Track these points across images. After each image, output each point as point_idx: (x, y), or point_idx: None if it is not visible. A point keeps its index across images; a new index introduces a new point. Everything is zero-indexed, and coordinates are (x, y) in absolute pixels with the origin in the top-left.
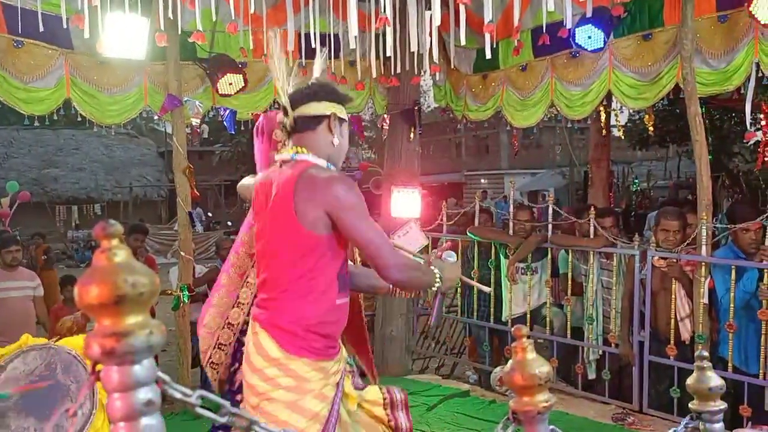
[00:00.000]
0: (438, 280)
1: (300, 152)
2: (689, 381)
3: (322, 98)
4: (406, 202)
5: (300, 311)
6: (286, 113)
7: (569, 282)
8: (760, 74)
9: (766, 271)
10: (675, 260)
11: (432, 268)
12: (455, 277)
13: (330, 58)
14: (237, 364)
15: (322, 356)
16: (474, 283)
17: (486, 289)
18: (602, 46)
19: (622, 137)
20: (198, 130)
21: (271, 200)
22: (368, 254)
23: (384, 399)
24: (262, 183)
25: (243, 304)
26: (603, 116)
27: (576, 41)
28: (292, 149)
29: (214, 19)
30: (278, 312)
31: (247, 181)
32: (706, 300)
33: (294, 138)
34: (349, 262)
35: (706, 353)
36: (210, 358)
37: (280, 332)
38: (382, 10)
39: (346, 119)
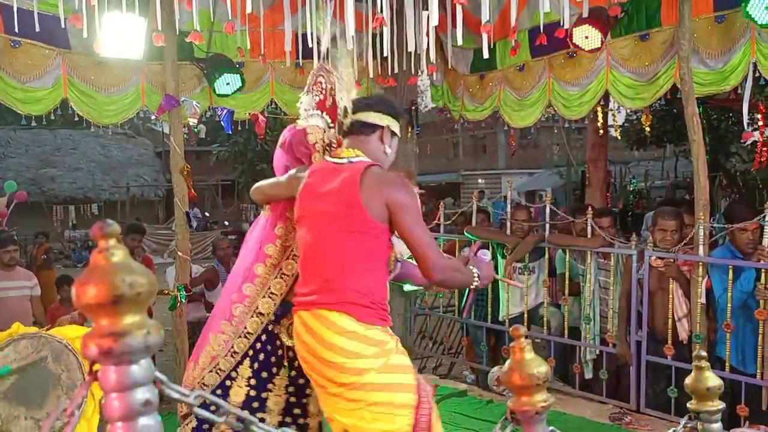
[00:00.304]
0: (476, 278)
1: (358, 155)
2: (687, 381)
3: (380, 110)
4: None
5: (368, 287)
6: (345, 114)
7: (566, 282)
8: (757, 74)
9: (763, 270)
10: (672, 260)
11: (470, 267)
12: (491, 275)
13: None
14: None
15: (388, 323)
16: (508, 280)
17: (518, 285)
18: (599, 46)
19: (619, 137)
20: (194, 130)
21: (329, 195)
22: (416, 253)
23: None
24: (310, 183)
25: (275, 294)
26: (600, 116)
27: (573, 41)
28: (349, 151)
29: (211, 19)
30: (348, 290)
31: (263, 183)
32: (703, 300)
33: (349, 140)
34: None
35: (704, 353)
36: (233, 347)
37: (355, 307)
38: (379, 10)
39: (399, 135)
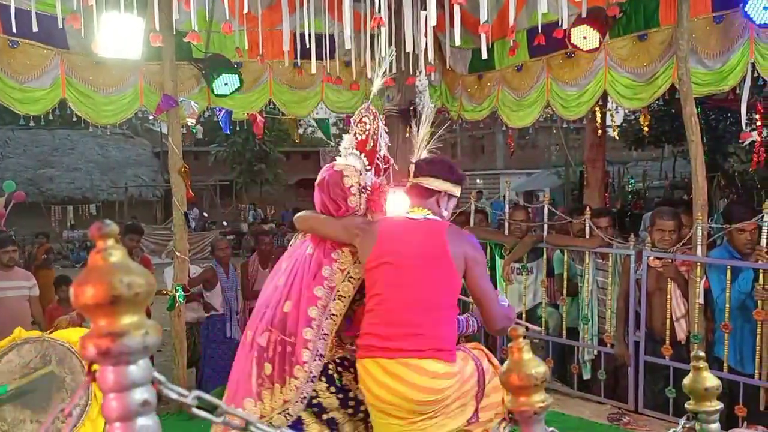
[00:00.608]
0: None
1: (429, 214)
2: (685, 381)
3: (441, 176)
4: (401, 202)
5: (451, 336)
6: (409, 174)
7: (564, 282)
8: (755, 74)
9: (761, 271)
10: (670, 260)
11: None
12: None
13: (325, 59)
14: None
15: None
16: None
17: (536, 329)
18: (597, 46)
19: (617, 138)
20: (192, 131)
21: (416, 246)
22: (482, 305)
23: None
24: (390, 233)
25: (335, 315)
26: (599, 116)
27: (571, 41)
28: (422, 210)
29: (209, 19)
30: (437, 338)
31: (312, 218)
32: (701, 300)
33: (413, 198)
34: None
35: (702, 353)
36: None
37: (444, 353)
38: (377, 11)
39: (457, 196)
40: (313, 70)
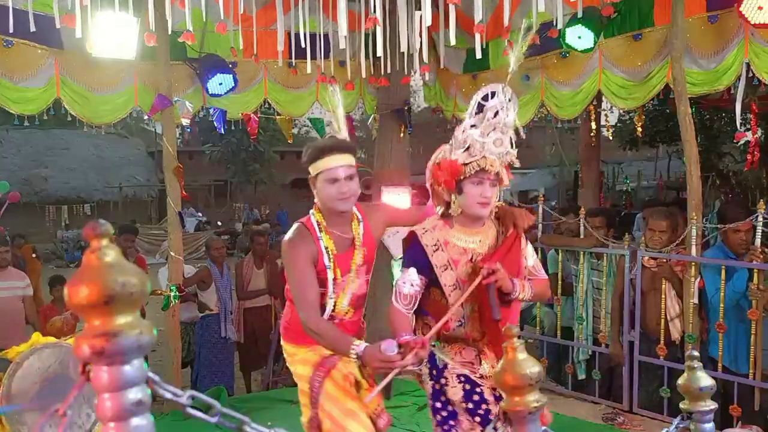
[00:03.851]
0: (353, 352)
1: None
2: (680, 381)
3: None
4: (396, 203)
5: (290, 316)
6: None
7: (559, 282)
8: (750, 74)
9: (755, 271)
10: (665, 260)
11: (354, 344)
12: (371, 363)
13: (319, 58)
14: None
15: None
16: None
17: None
18: (592, 46)
19: (611, 137)
20: (188, 129)
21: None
22: None
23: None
24: None
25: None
26: (593, 116)
27: (566, 41)
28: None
29: (204, 19)
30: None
31: None
32: (696, 300)
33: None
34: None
35: (696, 353)
36: None
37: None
38: (372, 11)
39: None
40: (308, 70)
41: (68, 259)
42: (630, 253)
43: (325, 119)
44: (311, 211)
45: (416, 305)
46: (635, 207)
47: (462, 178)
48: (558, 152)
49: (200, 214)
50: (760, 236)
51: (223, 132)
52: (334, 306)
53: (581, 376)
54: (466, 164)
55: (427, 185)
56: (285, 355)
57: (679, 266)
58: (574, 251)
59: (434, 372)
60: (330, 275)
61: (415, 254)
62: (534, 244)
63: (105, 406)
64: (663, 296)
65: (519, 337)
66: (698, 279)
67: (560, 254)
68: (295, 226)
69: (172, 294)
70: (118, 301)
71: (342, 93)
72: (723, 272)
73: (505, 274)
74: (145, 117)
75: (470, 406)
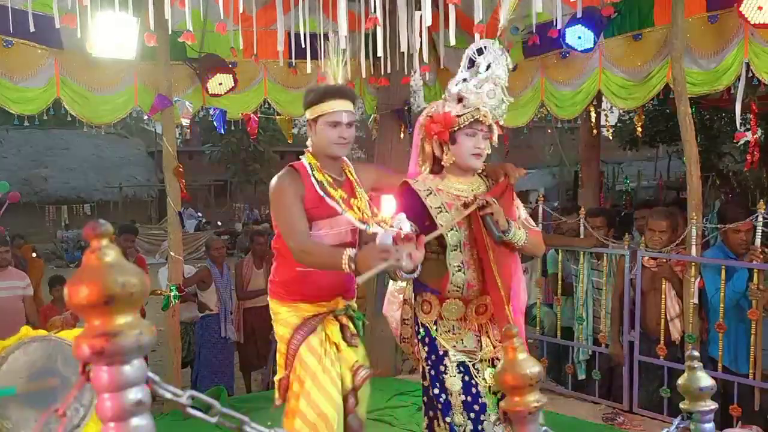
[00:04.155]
0: (345, 262)
1: None
2: (680, 381)
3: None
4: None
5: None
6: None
7: (559, 282)
8: (749, 74)
9: (755, 270)
10: (665, 260)
11: (345, 252)
12: (367, 260)
13: (320, 58)
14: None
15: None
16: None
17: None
18: (592, 46)
19: (611, 138)
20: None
21: None
22: None
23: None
24: None
25: None
26: (593, 116)
27: (566, 41)
28: None
29: (203, 19)
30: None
31: None
32: (696, 300)
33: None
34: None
35: (696, 353)
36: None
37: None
38: (372, 10)
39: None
40: (308, 70)
41: (68, 259)
42: (630, 253)
43: None
44: (302, 156)
45: None
46: (635, 207)
47: (456, 129)
48: (558, 152)
49: (199, 214)
50: (760, 236)
51: (223, 132)
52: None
53: (581, 376)
54: (459, 116)
55: (415, 142)
56: (271, 314)
57: (679, 266)
58: (574, 251)
59: (433, 357)
60: (330, 201)
61: (408, 199)
62: None
63: (105, 406)
64: (663, 296)
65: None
66: (698, 279)
67: (560, 254)
68: (280, 173)
69: (172, 294)
70: (118, 301)
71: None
72: (723, 272)
73: (500, 208)
74: (145, 117)
75: (468, 399)
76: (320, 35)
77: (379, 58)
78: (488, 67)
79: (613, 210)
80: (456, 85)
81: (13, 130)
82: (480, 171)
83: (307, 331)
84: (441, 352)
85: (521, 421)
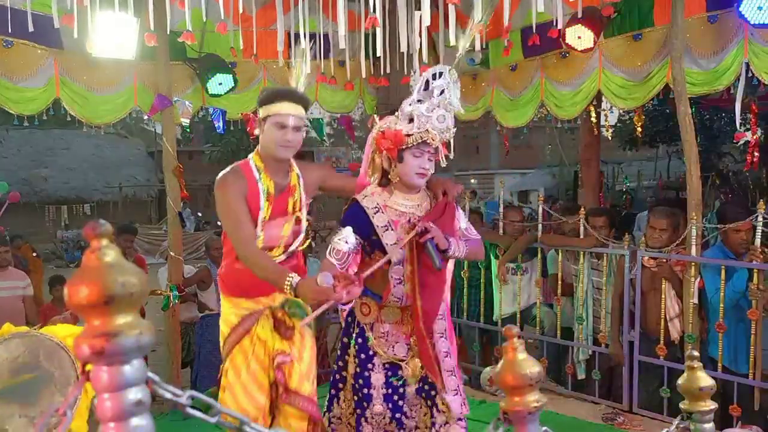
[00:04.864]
0: (288, 286)
1: None
2: (680, 381)
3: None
4: None
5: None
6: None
7: (559, 282)
8: (749, 74)
9: (755, 270)
10: (665, 260)
11: (290, 274)
12: (304, 294)
13: (319, 58)
14: None
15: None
16: (310, 317)
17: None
18: (592, 46)
19: (611, 138)
20: (186, 129)
21: None
22: None
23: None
24: None
25: None
26: (593, 116)
27: (566, 41)
28: None
29: (203, 19)
30: None
31: None
32: (696, 300)
33: None
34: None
35: (696, 353)
36: None
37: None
38: (372, 11)
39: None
40: (308, 70)
41: (68, 259)
42: (630, 253)
43: (324, 119)
44: (250, 156)
45: (348, 265)
46: (635, 207)
47: (404, 147)
48: (558, 152)
49: (199, 214)
50: (760, 236)
51: (222, 132)
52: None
53: (581, 376)
54: (409, 135)
55: (366, 153)
56: None
57: (679, 266)
58: (574, 251)
59: (362, 356)
60: (261, 215)
61: (356, 216)
62: (534, 244)
63: (105, 406)
64: (663, 296)
65: (519, 337)
66: (698, 279)
67: (560, 254)
68: (226, 171)
69: (172, 294)
70: (118, 301)
71: (341, 94)
72: (723, 272)
73: (440, 231)
74: (145, 117)
75: (389, 391)
76: (320, 35)
77: (379, 58)
78: (442, 92)
79: (614, 210)
80: (410, 104)
81: (13, 130)
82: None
83: (243, 330)
84: (371, 353)
85: (521, 421)
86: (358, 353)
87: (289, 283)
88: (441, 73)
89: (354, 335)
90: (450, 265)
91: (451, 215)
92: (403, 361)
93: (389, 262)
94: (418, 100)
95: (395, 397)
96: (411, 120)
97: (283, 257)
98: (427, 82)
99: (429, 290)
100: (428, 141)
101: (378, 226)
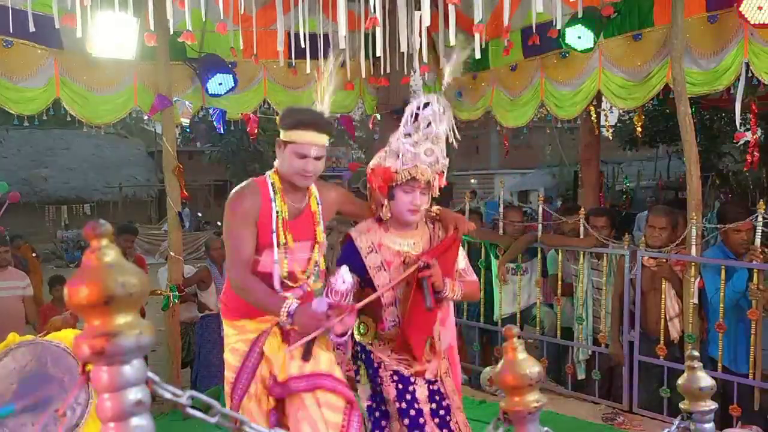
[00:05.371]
0: (284, 315)
1: None
2: (680, 381)
3: None
4: None
5: (226, 290)
6: None
7: (559, 282)
8: (749, 74)
9: (755, 270)
10: (665, 260)
11: (286, 303)
12: (301, 322)
13: (320, 58)
14: None
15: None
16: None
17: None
18: (592, 46)
19: (611, 138)
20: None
21: None
22: None
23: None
24: None
25: None
26: (593, 116)
27: (566, 41)
28: None
29: (203, 19)
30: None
31: None
32: (696, 300)
33: None
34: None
35: (696, 353)
36: None
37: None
38: (372, 11)
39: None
40: (308, 70)
41: (68, 259)
42: (630, 253)
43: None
44: (268, 173)
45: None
46: (634, 207)
47: (394, 184)
48: (558, 152)
49: (199, 214)
50: (760, 236)
51: (222, 132)
52: (288, 273)
53: (581, 376)
54: (397, 172)
55: (369, 188)
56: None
57: (679, 266)
58: (574, 251)
59: (370, 371)
60: (277, 239)
61: (350, 255)
62: (534, 244)
63: (105, 406)
64: (663, 296)
65: (519, 337)
66: (698, 279)
67: (560, 254)
68: (247, 181)
69: (172, 294)
70: (118, 301)
71: (341, 94)
72: (723, 272)
73: (440, 270)
74: (145, 117)
75: (403, 405)
76: (320, 35)
77: (379, 58)
78: (429, 124)
79: (615, 210)
80: (397, 139)
81: (13, 130)
82: (433, 215)
83: (250, 376)
84: (375, 365)
85: (521, 421)
86: (367, 370)
87: (286, 309)
88: (428, 103)
89: (354, 354)
90: (449, 303)
91: (455, 253)
92: (408, 361)
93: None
94: (406, 134)
95: (411, 412)
96: (398, 156)
97: (312, 280)
98: (415, 114)
99: (415, 327)
100: (417, 177)
101: (370, 267)
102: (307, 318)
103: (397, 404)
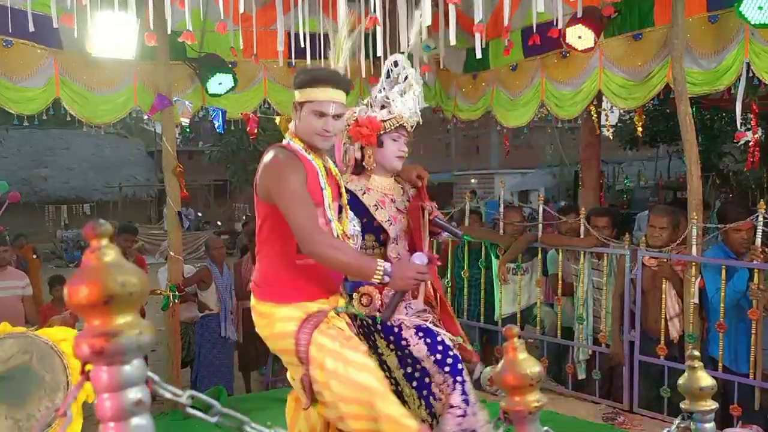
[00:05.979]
0: (379, 273)
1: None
2: (681, 381)
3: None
4: None
5: (264, 270)
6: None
7: (559, 282)
8: (750, 74)
9: (756, 270)
10: (665, 260)
11: (380, 262)
12: (408, 278)
13: (319, 58)
14: None
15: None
16: (391, 310)
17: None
18: (592, 46)
19: (611, 137)
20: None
21: None
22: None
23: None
24: None
25: None
26: (594, 116)
27: (566, 41)
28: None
29: (203, 18)
30: (257, 272)
31: None
32: (696, 300)
33: None
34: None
35: (697, 353)
36: None
37: (257, 288)
38: (372, 10)
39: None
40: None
41: (68, 259)
42: (630, 252)
43: None
44: (288, 139)
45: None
46: (633, 207)
47: (382, 133)
48: (558, 152)
49: (199, 214)
50: (760, 236)
51: (222, 132)
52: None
53: (581, 376)
54: (385, 121)
55: (337, 147)
56: (256, 320)
57: (680, 266)
58: (574, 251)
59: (391, 338)
60: (326, 200)
61: (349, 200)
62: (534, 244)
63: (105, 406)
64: (663, 296)
65: (519, 337)
66: (698, 279)
67: (560, 254)
68: (274, 149)
69: (172, 294)
70: (118, 301)
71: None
72: (723, 272)
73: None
74: (145, 117)
75: (438, 357)
76: (320, 35)
77: (379, 58)
78: (406, 78)
79: (616, 210)
80: (380, 92)
81: (13, 130)
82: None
83: (315, 321)
84: (396, 330)
85: (521, 421)
86: (388, 343)
87: (381, 269)
88: (398, 61)
89: (372, 332)
90: None
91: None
92: (425, 312)
93: (382, 242)
94: (384, 88)
95: (449, 360)
96: (383, 107)
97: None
98: (389, 70)
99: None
100: (404, 125)
101: (369, 205)
102: (412, 272)
103: (433, 357)
